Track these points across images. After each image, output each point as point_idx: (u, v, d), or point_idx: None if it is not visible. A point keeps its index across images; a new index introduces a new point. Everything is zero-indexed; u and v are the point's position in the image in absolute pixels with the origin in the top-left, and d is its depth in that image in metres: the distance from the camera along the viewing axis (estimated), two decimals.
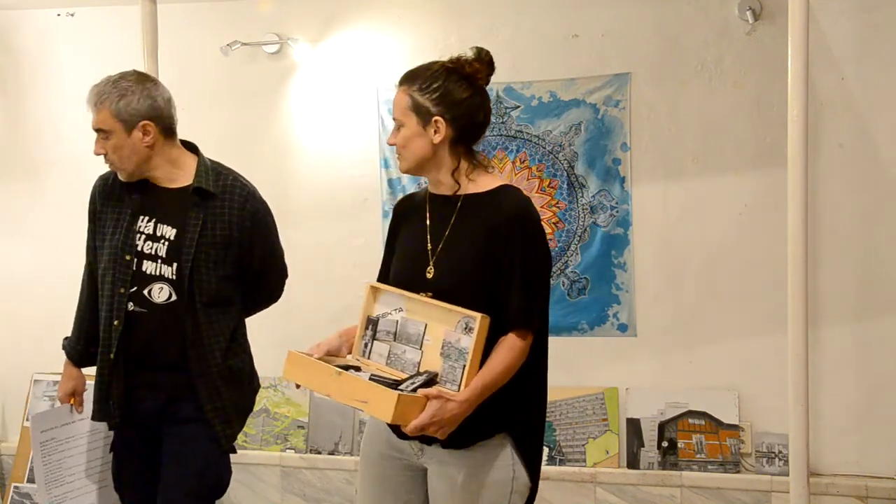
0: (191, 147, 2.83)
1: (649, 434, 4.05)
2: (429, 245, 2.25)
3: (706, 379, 4.04)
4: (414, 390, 2.09)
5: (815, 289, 3.72)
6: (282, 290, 2.98)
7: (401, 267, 2.32)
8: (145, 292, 2.69)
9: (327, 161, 4.45)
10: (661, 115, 4.07)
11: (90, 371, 2.87)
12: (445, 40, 4.27)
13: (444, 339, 2.15)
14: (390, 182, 4.35)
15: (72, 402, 2.95)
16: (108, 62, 4.52)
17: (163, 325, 2.68)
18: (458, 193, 2.25)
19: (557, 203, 4.18)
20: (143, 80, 2.72)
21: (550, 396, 4.08)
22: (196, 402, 2.70)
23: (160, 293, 2.68)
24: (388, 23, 4.37)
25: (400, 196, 4.26)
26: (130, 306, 2.69)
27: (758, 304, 3.94)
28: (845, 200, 3.87)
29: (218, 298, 2.72)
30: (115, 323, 2.69)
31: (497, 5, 4.25)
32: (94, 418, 2.82)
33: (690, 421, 4.02)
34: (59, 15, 4.72)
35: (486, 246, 2.17)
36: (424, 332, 2.20)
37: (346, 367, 2.19)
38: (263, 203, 2.83)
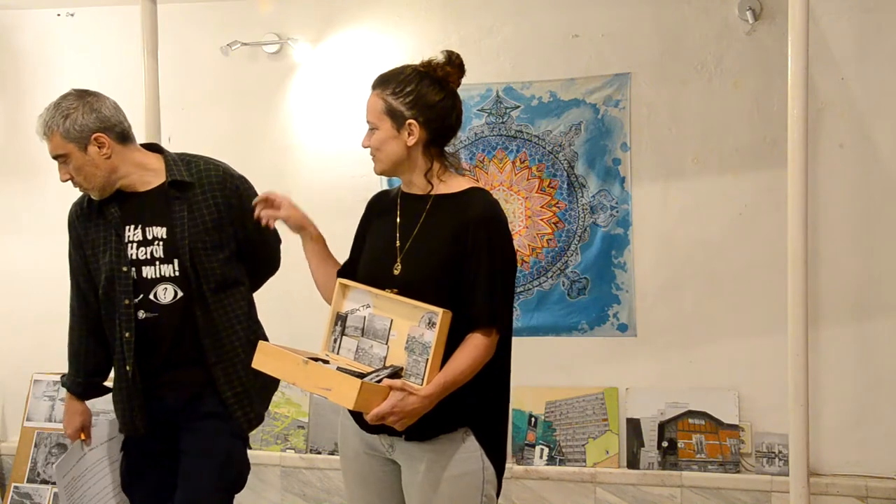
0: (153, 148, 2.83)
1: (649, 434, 4.05)
2: (397, 242, 2.31)
3: (706, 379, 4.04)
4: (378, 381, 2.15)
5: (815, 289, 3.72)
6: (279, 256, 2.99)
7: (369, 263, 2.37)
8: (151, 296, 2.69)
9: (327, 161, 4.45)
10: (661, 115, 4.07)
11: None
12: (445, 40, 4.27)
13: (408, 334, 2.22)
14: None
15: (81, 437, 2.93)
16: (108, 62, 4.55)
17: (176, 324, 2.69)
18: (430, 193, 2.31)
19: (557, 203, 4.18)
20: (83, 96, 2.70)
21: (550, 396, 4.15)
22: (217, 395, 2.70)
23: (165, 294, 2.69)
24: (388, 23, 4.37)
25: None
26: (141, 314, 2.68)
27: (758, 304, 3.94)
28: (845, 200, 3.87)
29: (226, 281, 2.73)
30: (127, 335, 2.68)
31: (497, 5, 4.25)
32: (121, 431, 2.83)
33: (690, 421, 4.02)
34: (59, 15, 4.73)
35: (453, 245, 2.22)
36: (390, 328, 2.26)
37: (316, 360, 2.25)
38: (240, 177, 2.83)
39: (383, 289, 2.27)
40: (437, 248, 2.24)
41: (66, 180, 2.73)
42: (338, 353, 2.35)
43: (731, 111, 3.99)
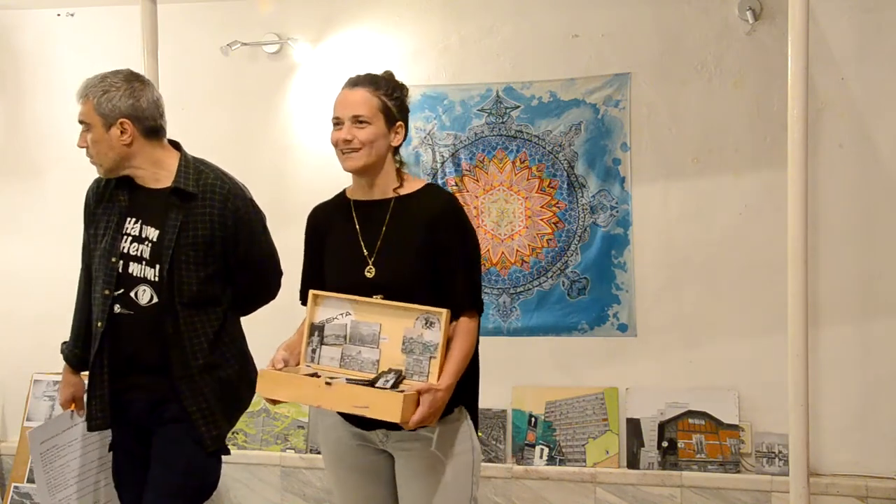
0: (175, 146, 2.82)
1: (649, 434, 4.05)
2: (363, 248, 2.39)
3: (706, 379, 4.04)
4: (394, 387, 2.22)
5: (815, 289, 3.73)
6: (277, 286, 2.95)
7: (337, 272, 2.44)
8: (132, 294, 2.68)
9: (327, 161, 4.41)
10: (661, 115, 4.07)
11: None
12: (445, 40, 4.28)
13: (404, 335, 2.29)
14: None
15: (72, 407, 2.94)
16: (108, 62, 4.52)
17: (147, 328, 2.67)
18: (400, 193, 2.41)
19: (557, 203, 4.18)
20: (131, 80, 2.72)
21: (550, 396, 4.17)
22: (181, 403, 2.69)
23: (144, 295, 2.68)
24: (388, 23, 4.37)
25: None
26: (117, 308, 2.68)
27: (758, 304, 3.94)
28: (845, 200, 3.87)
29: (199, 299, 2.70)
30: (99, 325, 2.68)
31: (497, 5, 4.25)
32: (86, 419, 2.82)
33: (690, 421, 4.02)
34: (59, 15, 4.73)
35: (426, 240, 2.33)
36: (380, 332, 2.33)
37: (313, 376, 2.30)
38: (248, 200, 2.79)
39: (360, 294, 2.34)
40: (409, 246, 2.34)
41: (82, 147, 2.74)
42: (318, 363, 2.39)
43: (731, 111, 3.99)
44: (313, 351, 2.40)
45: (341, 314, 2.37)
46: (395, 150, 2.45)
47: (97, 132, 2.68)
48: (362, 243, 2.39)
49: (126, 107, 2.66)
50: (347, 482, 2.48)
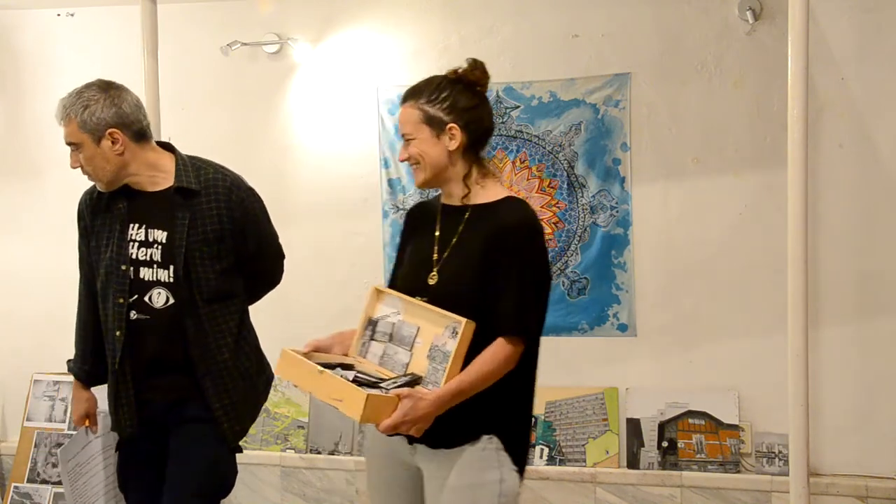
0: (167, 147, 2.81)
1: (649, 434, 4.05)
2: (435, 254, 2.32)
3: (706, 379, 4.04)
4: (397, 387, 2.14)
5: (815, 289, 3.73)
6: (281, 271, 2.96)
7: (406, 272, 2.39)
8: (146, 299, 2.67)
9: (327, 161, 4.45)
10: (661, 115, 4.07)
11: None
12: (445, 40, 4.28)
13: (432, 342, 2.21)
14: (390, 182, 4.35)
15: (86, 423, 2.93)
16: (108, 62, 4.55)
17: (164, 330, 2.67)
18: (467, 203, 2.31)
19: (557, 203, 4.18)
20: (107, 88, 2.68)
21: (550, 396, 4.16)
22: (204, 401, 2.69)
23: (159, 298, 2.68)
24: (388, 23, 4.37)
25: (400, 196, 4.31)
26: (133, 315, 2.68)
27: (758, 304, 3.94)
28: (845, 200, 3.87)
29: (219, 293, 2.71)
30: (118, 333, 2.68)
31: (497, 5, 4.25)
32: (112, 429, 2.82)
33: (690, 421, 4.02)
34: (59, 15, 4.73)
35: (485, 254, 2.22)
36: (416, 335, 2.25)
37: (340, 365, 2.25)
38: (249, 189, 2.80)
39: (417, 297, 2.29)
40: (471, 258, 2.24)
41: (76, 168, 2.73)
42: (365, 357, 2.36)
43: (731, 111, 3.99)
44: (363, 345, 2.37)
45: (393, 312, 2.32)
46: (469, 153, 2.31)
47: (89, 149, 2.66)
48: (436, 249, 2.32)
49: (111, 116, 2.64)
50: (378, 492, 2.44)
